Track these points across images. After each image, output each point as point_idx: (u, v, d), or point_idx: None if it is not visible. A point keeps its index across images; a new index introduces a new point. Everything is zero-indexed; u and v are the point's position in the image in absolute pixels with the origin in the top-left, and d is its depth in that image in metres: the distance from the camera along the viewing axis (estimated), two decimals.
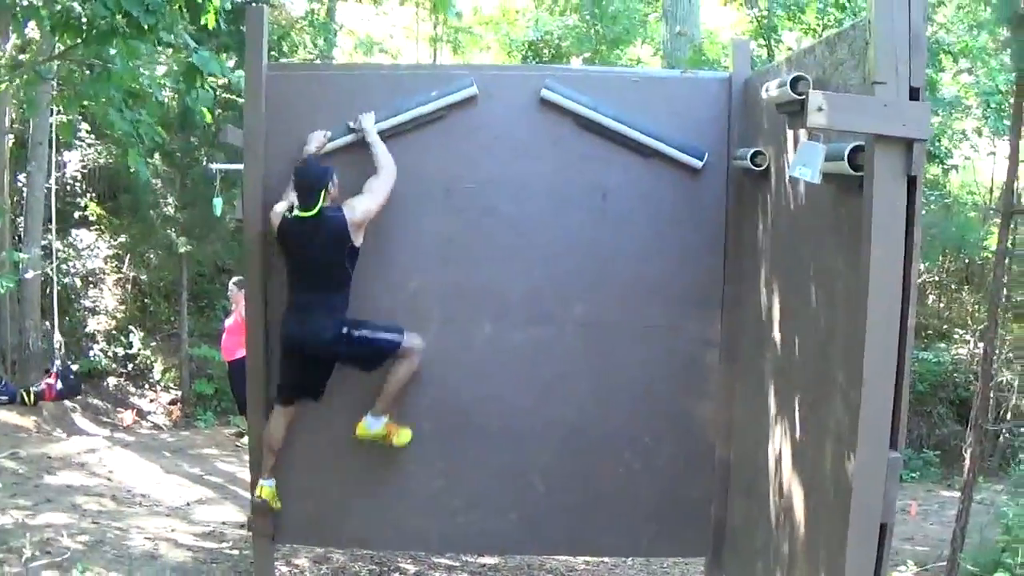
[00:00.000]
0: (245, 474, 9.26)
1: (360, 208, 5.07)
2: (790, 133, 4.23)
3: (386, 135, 5.21)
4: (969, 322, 12.63)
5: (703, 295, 5.42)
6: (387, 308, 5.34)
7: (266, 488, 5.35)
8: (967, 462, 5.25)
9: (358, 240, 5.11)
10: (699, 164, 5.29)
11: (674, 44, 12.55)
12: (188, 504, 8.27)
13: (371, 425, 5.28)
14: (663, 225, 5.38)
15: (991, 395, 5.71)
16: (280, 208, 5.14)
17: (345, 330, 5.11)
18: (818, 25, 10.13)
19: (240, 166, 5.59)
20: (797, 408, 4.06)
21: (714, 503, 5.50)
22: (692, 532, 5.58)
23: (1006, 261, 5.02)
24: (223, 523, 7.68)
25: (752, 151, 4.74)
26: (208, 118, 7.46)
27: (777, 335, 4.46)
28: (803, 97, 3.82)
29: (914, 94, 2.91)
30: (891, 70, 2.88)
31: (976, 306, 12.61)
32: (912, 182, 2.95)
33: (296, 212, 5.05)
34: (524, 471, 5.52)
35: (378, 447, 5.35)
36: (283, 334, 5.22)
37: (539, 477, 5.53)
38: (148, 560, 6.37)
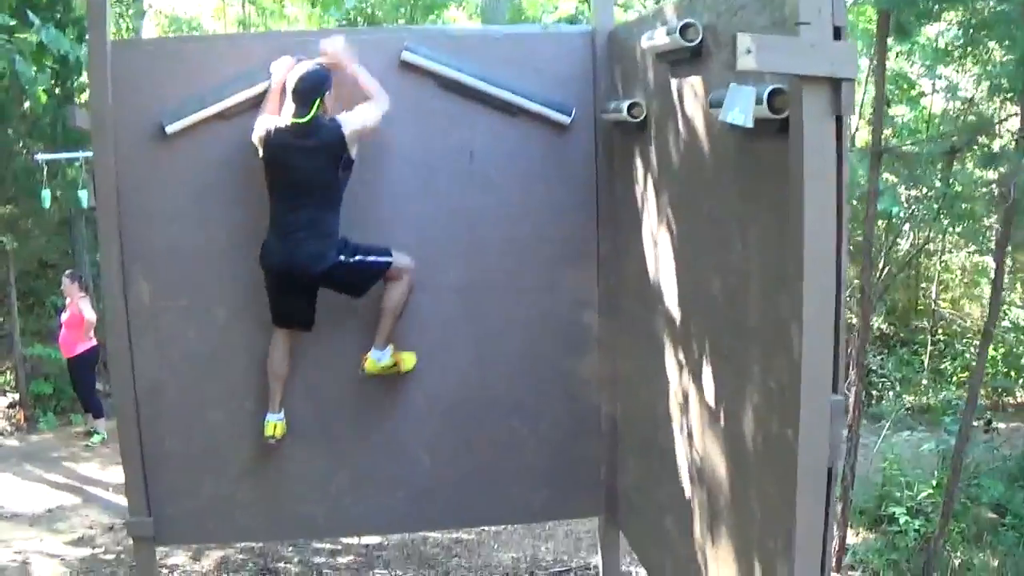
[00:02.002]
0: (102, 475, 8.86)
1: (354, 119, 4.83)
2: (674, 82, 4.16)
3: (238, 110, 4.94)
4: None
5: (577, 252, 5.35)
6: (253, 290, 5.06)
7: (276, 423, 5.12)
8: (851, 401, 5.35)
9: (353, 151, 4.84)
10: (567, 120, 5.19)
11: (492, 6, 12.40)
12: (50, 511, 7.87)
13: (380, 359, 5.10)
14: (533, 184, 5.27)
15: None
16: (264, 123, 4.84)
17: (342, 257, 4.86)
18: None
19: (69, 155, 5.21)
20: (704, 359, 4.02)
21: (604, 463, 5.47)
22: (584, 494, 5.54)
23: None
24: (90, 527, 7.28)
25: (629, 103, 4.66)
26: (43, 99, 6.95)
27: (669, 287, 4.41)
28: (693, 44, 3.80)
29: (836, 34, 2.87)
30: (814, 11, 2.83)
31: None
32: (839, 121, 2.92)
33: (288, 120, 4.79)
34: (408, 446, 5.36)
35: (251, 436, 5.15)
36: (268, 263, 4.91)
37: (424, 450, 5.38)
38: None
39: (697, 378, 4.12)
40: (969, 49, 5.76)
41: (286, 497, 5.27)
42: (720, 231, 3.78)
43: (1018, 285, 10.26)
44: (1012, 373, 10.03)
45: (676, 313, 4.37)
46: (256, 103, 4.94)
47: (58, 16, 8.90)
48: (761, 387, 3.42)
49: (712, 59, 3.72)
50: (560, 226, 5.29)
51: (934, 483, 7.45)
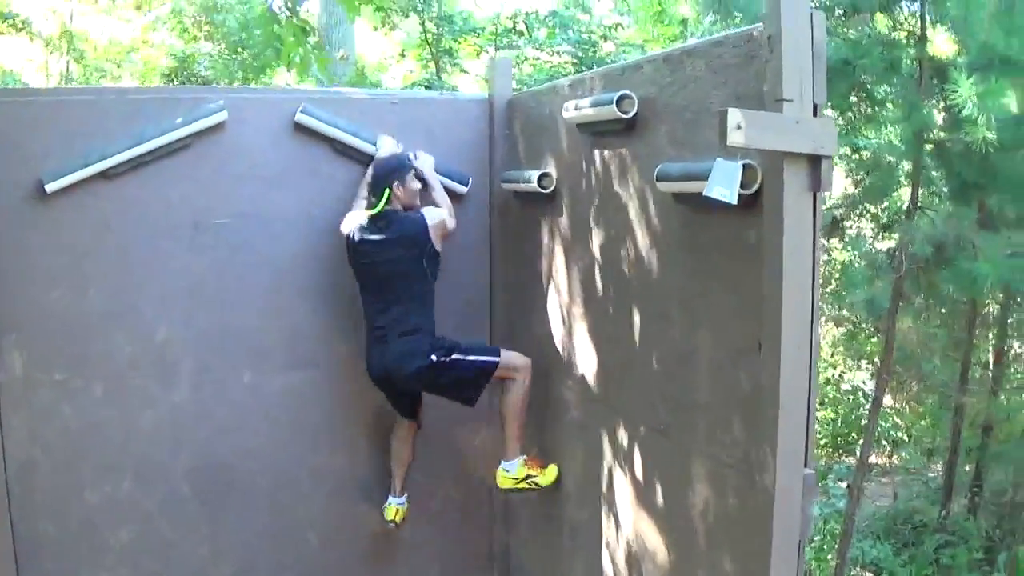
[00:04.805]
0: None
1: (436, 214, 4.71)
2: (598, 153, 4.15)
3: (125, 168, 4.64)
4: None
5: (470, 324, 5.25)
6: (132, 361, 4.78)
7: (397, 507, 5.08)
8: None
9: (438, 244, 4.65)
10: (464, 190, 5.13)
11: (332, 68, 12.25)
12: None
13: (509, 469, 4.74)
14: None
15: None
16: (350, 219, 4.77)
17: (435, 357, 4.56)
18: (492, 45, 10.29)
19: None
20: (632, 434, 3.98)
21: (497, 538, 5.37)
22: (475, 570, 5.45)
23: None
24: None
25: (539, 173, 4.61)
26: None
27: (586, 361, 4.36)
28: (628, 116, 3.79)
29: (816, 111, 2.91)
30: (796, 87, 2.85)
31: None
32: (814, 198, 2.94)
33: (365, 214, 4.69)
34: (295, 527, 5.14)
35: (129, 519, 4.82)
36: (370, 372, 4.80)
37: (312, 532, 5.17)
38: None
39: (621, 453, 4.07)
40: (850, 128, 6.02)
41: None
42: (656, 305, 3.76)
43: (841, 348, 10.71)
44: (854, 434, 10.45)
45: (593, 387, 4.33)
46: (143, 162, 4.67)
47: None
48: (712, 462, 3.39)
49: (650, 131, 3.71)
50: (453, 298, 5.17)
51: (813, 546, 7.65)
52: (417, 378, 4.67)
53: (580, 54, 10.64)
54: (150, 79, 13.83)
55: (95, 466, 4.77)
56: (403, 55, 13.26)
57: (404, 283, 4.66)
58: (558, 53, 11.10)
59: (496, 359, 4.70)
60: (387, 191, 4.65)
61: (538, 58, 11.23)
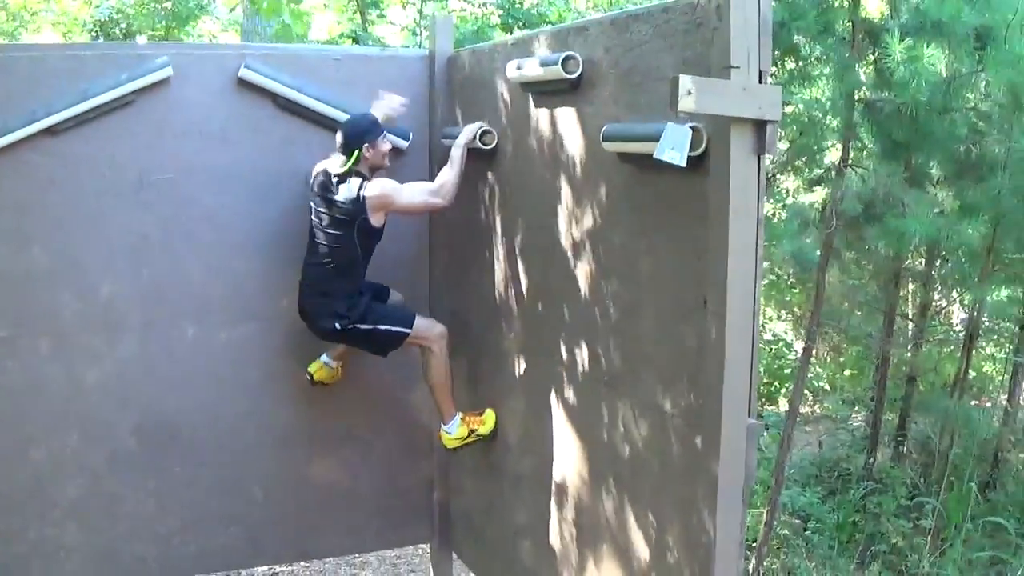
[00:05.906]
0: None
1: (382, 187, 4.63)
2: (541, 112, 4.23)
3: (70, 125, 4.60)
4: None
5: (408, 277, 5.36)
6: (77, 317, 4.78)
7: (322, 365, 5.18)
8: None
9: (375, 219, 4.61)
10: (405, 144, 5.18)
11: (253, 20, 12.07)
12: None
13: (451, 431, 4.90)
14: None
15: None
16: (320, 164, 4.81)
17: (338, 325, 4.65)
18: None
19: None
20: (575, 386, 4.10)
21: (436, 488, 5.49)
22: (415, 520, 5.59)
23: None
24: None
25: (482, 130, 4.68)
26: None
27: (531, 314, 4.47)
28: (573, 76, 3.87)
29: (761, 78, 3.01)
30: (744, 54, 2.96)
31: None
32: (758, 160, 3.06)
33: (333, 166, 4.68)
34: (241, 480, 5.22)
35: (76, 475, 4.86)
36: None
37: (257, 485, 5.26)
38: None
39: (564, 405, 4.20)
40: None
41: (115, 539, 4.98)
42: (600, 262, 3.87)
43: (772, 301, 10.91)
44: (776, 383, 10.69)
45: (535, 340, 4.44)
46: (88, 119, 4.65)
47: None
48: (657, 412, 3.52)
49: (595, 92, 3.80)
50: (391, 251, 5.21)
51: None
52: (325, 336, 4.86)
53: (506, 5, 10.66)
54: (73, 32, 13.54)
55: (41, 423, 4.78)
56: (325, 6, 13.14)
57: (332, 248, 4.70)
58: (484, 5, 11.11)
59: (407, 330, 4.82)
60: (356, 152, 4.64)
61: (464, 10, 11.22)
